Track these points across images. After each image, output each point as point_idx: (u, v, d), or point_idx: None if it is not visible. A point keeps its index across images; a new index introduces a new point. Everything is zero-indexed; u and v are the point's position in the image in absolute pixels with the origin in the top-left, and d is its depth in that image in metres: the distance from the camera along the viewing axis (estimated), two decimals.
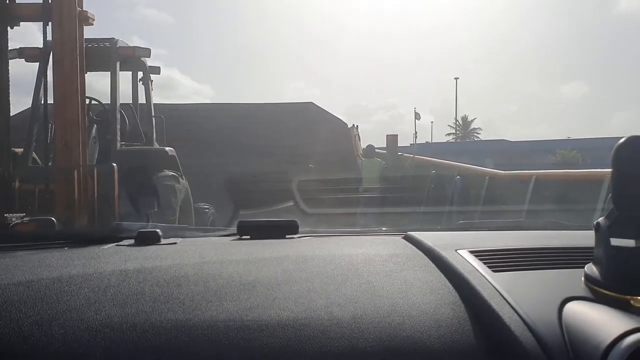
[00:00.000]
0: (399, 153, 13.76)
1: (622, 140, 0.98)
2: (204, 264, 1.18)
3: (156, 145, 7.70)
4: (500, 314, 0.99)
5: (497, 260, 1.20)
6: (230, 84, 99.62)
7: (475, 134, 57.60)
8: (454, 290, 1.09)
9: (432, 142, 48.64)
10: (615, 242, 1.03)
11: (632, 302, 0.99)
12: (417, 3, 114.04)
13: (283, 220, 1.55)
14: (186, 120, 9.83)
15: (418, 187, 10.25)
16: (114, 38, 7.08)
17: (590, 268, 1.08)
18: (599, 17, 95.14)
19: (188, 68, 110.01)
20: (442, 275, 1.15)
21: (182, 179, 7.08)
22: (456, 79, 52.52)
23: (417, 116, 36.39)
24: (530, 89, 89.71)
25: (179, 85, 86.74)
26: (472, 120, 58.27)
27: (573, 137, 45.28)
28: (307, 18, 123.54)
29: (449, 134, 58.42)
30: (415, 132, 39.91)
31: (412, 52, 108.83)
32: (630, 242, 1.03)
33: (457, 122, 57.13)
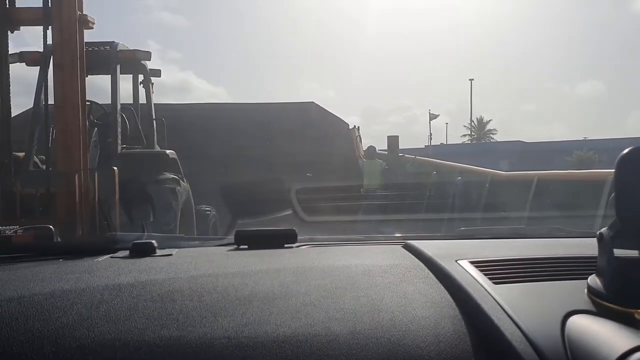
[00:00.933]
0: (400, 154, 13.73)
1: (625, 151, 0.96)
2: (199, 277, 1.16)
3: (157, 148, 7.69)
4: (502, 328, 0.97)
5: (499, 271, 1.18)
6: (245, 87, 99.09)
7: (491, 135, 57.43)
8: (454, 304, 1.07)
9: (447, 144, 48.45)
10: (618, 253, 1.01)
11: (636, 316, 0.97)
12: (431, 4, 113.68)
13: (281, 229, 1.53)
14: (182, 120, 9.76)
15: (419, 189, 10.24)
16: (114, 41, 7.07)
17: (594, 280, 1.06)
18: (615, 15, 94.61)
19: (203, 71, 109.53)
20: (442, 288, 1.13)
21: (184, 181, 7.06)
22: (471, 80, 52.10)
23: (431, 117, 36.60)
24: (546, 89, 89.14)
25: (194, 88, 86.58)
26: (487, 122, 58.06)
27: (590, 137, 44.93)
28: (322, 20, 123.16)
29: (464, 135, 58.25)
30: (430, 134, 39.95)
31: (426, 54, 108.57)
32: (634, 254, 1.01)
33: (473, 124, 56.98)
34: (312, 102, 12.94)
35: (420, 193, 9.40)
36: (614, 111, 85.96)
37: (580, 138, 44.73)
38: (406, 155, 14.03)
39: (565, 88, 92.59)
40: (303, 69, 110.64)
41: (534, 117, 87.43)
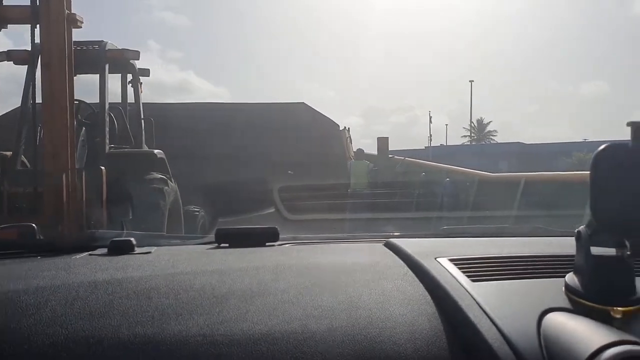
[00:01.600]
0: (390, 155, 13.77)
1: (600, 148, 0.96)
2: (177, 274, 1.15)
3: (145, 148, 7.67)
4: (478, 325, 0.97)
5: (477, 269, 1.17)
6: (246, 86, 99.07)
7: (491, 137, 57.91)
8: (431, 301, 1.07)
9: (446, 145, 48.68)
10: (595, 251, 1.01)
11: (612, 313, 0.97)
12: (434, 5, 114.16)
13: (263, 227, 1.52)
14: (170, 120, 9.70)
15: (407, 190, 10.27)
16: (102, 40, 7.06)
17: (571, 278, 1.06)
18: (618, 16, 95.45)
19: (204, 71, 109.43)
20: (421, 285, 1.13)
21: (171, 181, 7.04)
22: (471, 81, 52.37)
23: (431, 119, 37.00)
24: (549, 89, 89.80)
25: (194, 88, 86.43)
26: (487, 123, 58.93)
27: (591, 138, 45.04)
28: (324, 20, 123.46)
29: (464, 136, 58.90)
30: (430, 135, 40.40)
31: (428, 55, 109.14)
32: (610, 252, 1.01)
33: (473, 125, 57.51)
34: (303, 102, 12.91)
35: (409, 193, 9.41)
36: (617, 112, 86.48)
37: (580, 140, 44.84)
38: (395, 157, 14.06)
39: (568, 89, 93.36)
40: (304, 69, 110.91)
41: (535, 118, 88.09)
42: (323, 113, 12.88)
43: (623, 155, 0.95)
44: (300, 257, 1.33)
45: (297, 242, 1.57)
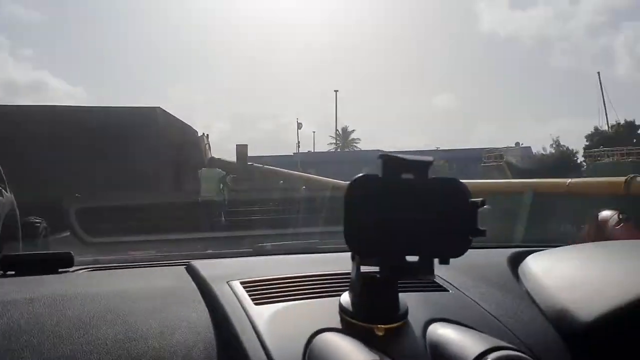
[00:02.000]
0: (250, 162, 13.69)
1: (353, 178, 0.99)
2: None
3: None
4: (249, 351, 0.97)
5: (265, 291, 1.16)
6: (107, 87, 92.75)
7: (355, 144, 60.40)
8: (212, 328, 1.06)
9: (314, 152, 50.14)
10: (364, 270, 1.05)
11: (375, 330, 1.01)
12: (299, 18, 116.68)
13: (55, 252, 1.42)
14: (11, 126, 8.99)
15: (262, 205, 10.17)
16: None
17: (345, 297, 1.08)
18: (464, 35, 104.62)
19: (60, 70, 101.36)
20: (207, 311, 1.11)
21: (7, 191, 6.53)
22: (336, 91, 54.32)
23: (299, 126, 38.33)
24: (405, 100, 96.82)
25: (48, 88, 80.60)
26: (352, 131, 61.62)
27: (444, 147, 48.55)
28: (194, 21, 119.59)
29: (330, 144, 60.95)
30: (298, 141, 41.57)
31: (296, 63, 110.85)
32: (375, 271, 1.04)
33: (338, 133, 59.68)
34: (158, 107, 12.39)
35: (264, 208, 9.27)
36: (464, 123, 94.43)
37: (433, 148, 47.76)
38: (255, 164, 13.99)
39: (422, 100, 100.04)
40: (171, 71, 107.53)
41: (393, 127, 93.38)
42: (184, 118, 12.62)
43: (374, 185, 0.99)
44: (89, 284, 1.26)
45: (95, 268, 1.48)
